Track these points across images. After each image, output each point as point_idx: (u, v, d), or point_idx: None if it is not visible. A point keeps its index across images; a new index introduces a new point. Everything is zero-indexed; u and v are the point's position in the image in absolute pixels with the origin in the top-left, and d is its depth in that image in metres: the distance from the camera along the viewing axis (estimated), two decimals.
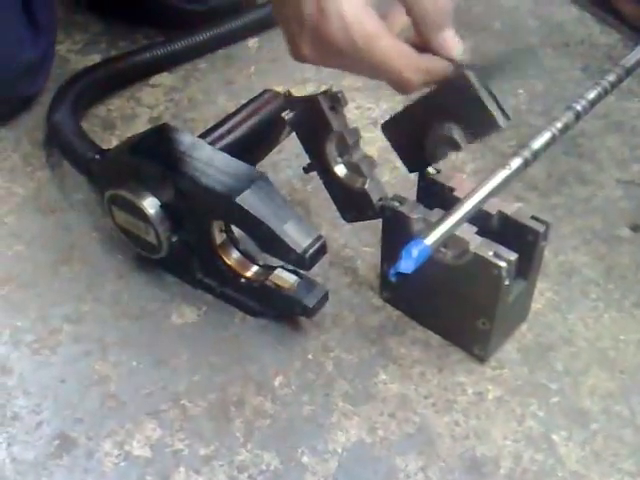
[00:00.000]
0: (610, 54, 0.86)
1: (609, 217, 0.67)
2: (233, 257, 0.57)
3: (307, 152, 0.56)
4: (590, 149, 0.73)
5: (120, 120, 0.77)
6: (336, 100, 0.51)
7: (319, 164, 0.55)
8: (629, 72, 0.69)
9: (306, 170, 0.57)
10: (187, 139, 0.56)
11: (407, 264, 0.45)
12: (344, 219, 0.58)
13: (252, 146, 0.62)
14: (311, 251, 0.51)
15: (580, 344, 0.57)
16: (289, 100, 0.53)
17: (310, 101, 0.52)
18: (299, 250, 0.51)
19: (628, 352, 0.56)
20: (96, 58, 0.84)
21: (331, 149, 0.53)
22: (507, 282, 0.50)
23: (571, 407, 0.53)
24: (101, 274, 0.62)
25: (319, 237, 0.52)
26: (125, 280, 0.62)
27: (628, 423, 0.52)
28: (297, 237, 0.51)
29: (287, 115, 0.53)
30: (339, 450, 0.50)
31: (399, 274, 0.45)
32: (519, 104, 0.78)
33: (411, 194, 0.56)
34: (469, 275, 0.51)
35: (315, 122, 0.52)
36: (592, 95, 0.65)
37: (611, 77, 0.67)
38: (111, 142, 0.73)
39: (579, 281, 0.61)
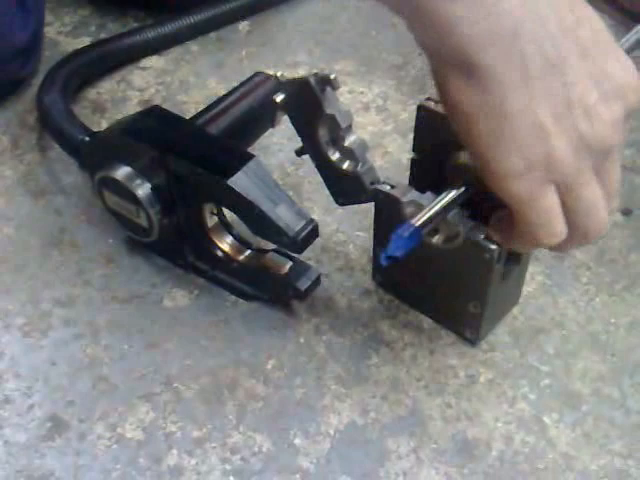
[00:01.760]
0: None
1: None
2: (225, 240, 0.57)
3: (299, 135, 0.55)
4: None
5: (110, 103, 0.76)
6: (328, 82, 0.51)
7: (311, 147, 0.55)
8: None
9: (298, 153, 0.57)
10: (178, 121, 0.56)
11: (398, 248, 0.45)
12: (336, 203, 0.58)
13: (243, 129, 0.61)
14: (303, 234, 0.51)
15: (571, 327, 0.57)
16: (280, 82, 0.52)
17: (301, 83, 0.52)
18: (291, 233, 0.51)
19: (619, 335, 0.56)
20: (86, 40, 0.83)
21: (323, 132, 0.53)
22: (498, 265, 0.50)
23: (562, 389, 0.53)
24: (92, 258, 0.61)
25: (311, 220, 0.52)
26: (116, 264, 0.61)
27: (618, 405, 0.52)
28: (289, 220, 0.51)
29: (278, 97, 0.53)
30: (331, 432, 0.51)
31: (390, 258, 0.45)
32: None
33: (403, 179, 0.55)
34: (460, 259, 0.51)
35: (307, 104, 0.52)
36: None
37: None
38: (101, 125, 0.73)
39: (570, 265, 0.61)
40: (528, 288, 0.59)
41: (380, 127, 0.74)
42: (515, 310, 0.58)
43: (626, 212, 0.66)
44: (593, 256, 0.62)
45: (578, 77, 0.38)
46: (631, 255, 0.62)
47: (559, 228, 0.41)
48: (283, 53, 0.84)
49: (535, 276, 0.60)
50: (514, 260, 0.52)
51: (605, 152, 0.40)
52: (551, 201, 0.40)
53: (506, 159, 0.39)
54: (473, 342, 0.56)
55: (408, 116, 0.75)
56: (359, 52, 0.83)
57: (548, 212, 0.41)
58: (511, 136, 0.38)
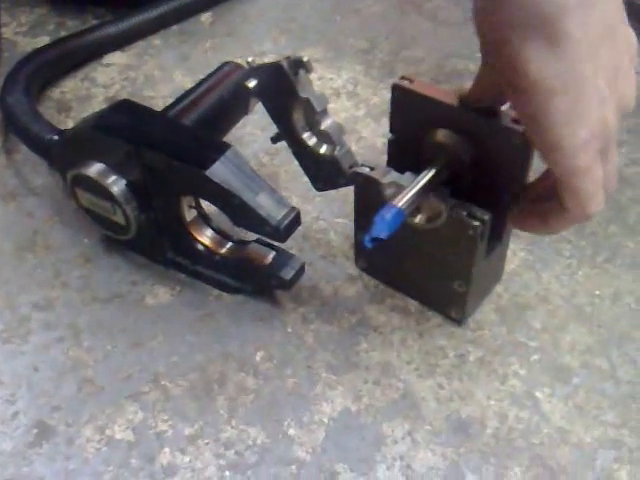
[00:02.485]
0: None
1: None
2: (205, 234, 0.56)
3: (274, 121, 0.55)
4: None
5: (75, 101, 0.74)
6: (301, 65, 0.50)
7: (287, 133, 0.54)
8: None
9: (274, 140, 0.56)
10: (150, 113, 0.54)
11: (382, 229, 0.45)
12: (315, 188, 0.57)
13: (217, 119, 0.60)
14: (286, 222, 0.50)
15: (556, 301, 0.57)
16: (252, 68, 0.52)
17: (274, 67, 0.51)
18: (274, 222, 0.50)
19: (604, 306, 0.57)
20: (45, 39, 0.81)
21: (299, 117, 0.52)
22: (482, 242, 0.50)
23: (552, 363, 0.53)
24: (68, 259, 0.60)
25: (293, 208, 0.51)
26: (93, 264, 0.60)
27: (608, 376, 0.52)
28: (271, 209, 0.50)
29: (251, 83, 0.52)
30: (325, 420, 0.50)
31: (374, 240, 0.45)
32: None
33: (380, 163, 0.55)
34: (444, 238, 0.51)
35: (280, 89, 0.51)
36: None
37: None
38: (68, 124, 0.71)
39: (551, 240, 0.62)
40: (511, 265, 0.60)
41: (352, 112, 0.74)
42: (499, 287, 0.58)
43: None
44: (573, 230, 0.62)
45: (622, 42, 0.38)
46: (610, 227, 0.62)
47: (603, 196, 0.41)
48: (248, 43, 0.83)
49: (517, 252, 0.61)
50: (496, 236, 0.52)
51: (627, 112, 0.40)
52: (600, 169, 0.40)
53: (577, 132, 0.38)
54: (459, 322, 0.55)
55: (379, 100, 0.75)
56: (325, 38, 0.83)
57: (599, 181, 0.40)
58: (583, 107, 0.37)
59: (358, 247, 0.58)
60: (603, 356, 0.54)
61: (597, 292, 0.58)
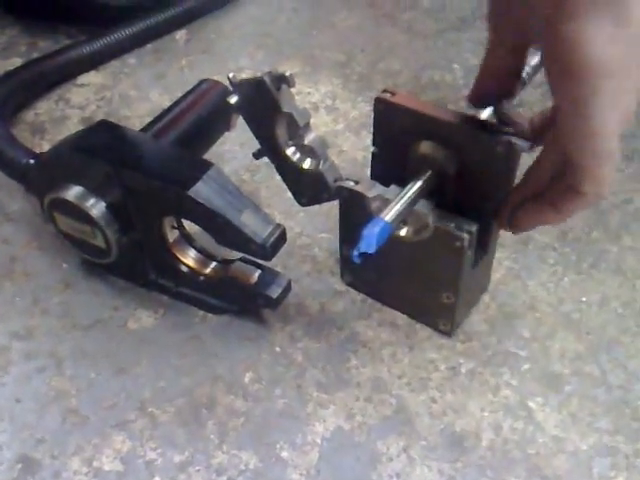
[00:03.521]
0: None
1: None
2: (188, 254, 0.55)
3: (256, 136, 0.54)
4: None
5: (50, 123, 0.73)
6: (283, 80, 0.49)
7: (270, 148, 0.53)
8: None
9: (256, 156, 0.55)
10: (129, 134, 0.53)
11: (369, 243, 0.44)
12: (299, 203, 0.56)
13: (197, 137, 0.59)
14: (272, 240, 0.49)
15: (544, 309, 0.57)
16: (233, 83, 0.51)
17: (256, 82, 0.50)
18: (259, 240, 0.49)
19: (591, 312, 0.57)
20: (17, 61, 0.80)
21: (281, 131, 0.52)
22: (469, 253, 0.49)
23: (543, 372, 0.53)
24: (47, 285, 0.58)
25: (278, 225, 0.50)
26: (73, 289, 0.58)
27: (600, 382, 0.52)
28: (256, 227, 0.49)
29: (232, 99, 0.51)
30: (318, 441, 0.49)
31: (362, 254, 0.44)
32: (456, 79, 0.78)
33: (362, 176, 0.54)
34: (431, 250, 0.50)
35: (263, 104, 0.51)
36: (535, 61, 0.66)
37: None
38: (42, 147, 0.70)
39: (535, 247, 0.61)
40: (497, 275, 0.59)
41: (332, 127, 0.73)
42: (487, 298, 0.58)
43: None
44: (556, 237, 0.62)
45: None
46: (593, 233, 0.63)
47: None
48: (224, 59, 0.82)
49: (502, 262, 0.60)
50: (482, 246, 0.52)
51: None
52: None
53: (618, 117, 0.37)
54: (447, 334, 0.55)
55: (358, 113, 0.74)
56: (301, 52, 0.82)
57: (615, 165, 0.40)
58: (626, 91, 0.36)
59: (344, 262, 0.58)
60: (593, 362, 0.53)
61: (584, 298, 0.58)
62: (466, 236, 0.48)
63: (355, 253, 0.44)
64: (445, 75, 0.79)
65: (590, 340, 0.55)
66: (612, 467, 0.48)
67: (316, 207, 0.63)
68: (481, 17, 0.87)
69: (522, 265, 0.60)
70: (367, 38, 0.85)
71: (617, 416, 0.50)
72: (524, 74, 0.66)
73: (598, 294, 0.58)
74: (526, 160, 0.47)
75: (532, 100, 0.75)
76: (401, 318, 0.56)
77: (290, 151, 0.52)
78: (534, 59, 0.66)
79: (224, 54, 0.82)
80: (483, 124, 0.47)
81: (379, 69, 0.80)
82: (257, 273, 0.53)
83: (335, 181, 0.52)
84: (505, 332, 0.55)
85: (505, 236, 0.62)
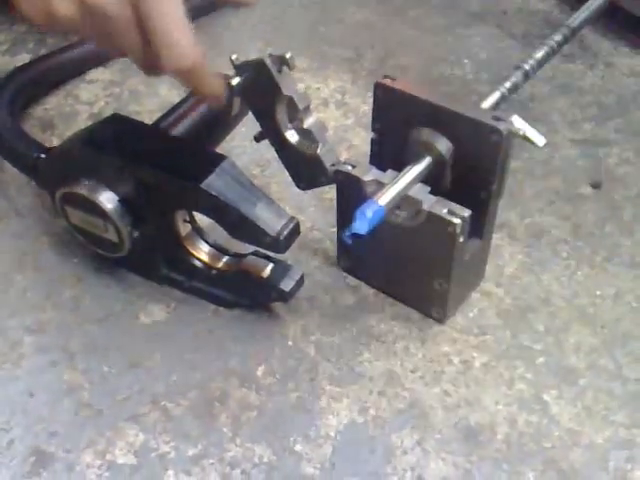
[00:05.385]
0: (548, 19, 0.87)
1: (569, 177, 0.67)
2: (201, 248, 0.55)
3: (257, 119, 0.54)
4: (542, 112, 0.73)
5: (59, 119, 0.73)
6: (284, 62, 0.50)
7: (270, 131, 0.54)
8: (574, 32, 0.70)
9: (257, 139, 0.55)
10: (141, 127, 0.53)
11: (361, 225, 0.45)
12: (298, 187, 0.56)
13: (208, 130, 0.59)
14: (285, 233, 0.49)
15: (558, 303, 0.57)
16: (235, 65, 0.51)
17: (257, 64, 0.50)
18: (273, 233, 0.49)
19: (605, 306, 0.56)
20: (25, 57, 0.80)
21: (282, 114, 0.52)
22: (462, 239, 0.49)
23: (557, 366, 0.53)
24: (58, 279, 0.58)
25: (292, 218, 0.50)
26: (85, 283, 0.58)
27: (615, 376, 0.52)
28: (270, 220, 0.49)
29: (234, 81, 0.51)
30: (332, 434, 0.49)
31: (353, 235, 0.45)
32: (466, 74, 0.77)
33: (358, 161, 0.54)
34: (424, 236, 0.50)
35: (263, 86, 0.51)
36: (540, 54, 0.66)
37: (557, 37, 0.68)
38: (52, 143, 0.69)
39: (549, 241, 0.61)
40: (510, 269, 0.59)
41: (342, 122, 0.73)
42: (500, 291, 0.57)
43: (595, 185, 0.66)
44: (569, 231, 0.62)
45: None
46: (606, 226, 0.62)
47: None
48: (231, 54, 0.81)
49: (515, 255, 0.60)
50: (476, 234, 0.52)
51: None
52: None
53: None
54: (440, 321, 0.55)
55: (368, 108, 0.73)
56: (310, 48, 0.82)
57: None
58: None
59: (340, 246, 0.58)
60: (608, 356, 0.53)
61: (598, 292, 0.57)
62: (458, 222, 0.48)
63: (347, 233, 0.45)
64: (455, 70, 0.79)
65: (605, 334, 0.55)
66: (628, 460, 0.47)
67: (327, 202, 0.63)
68: (489, 12, 0.87)
69: (535, 259, 0.60)
70: (376, 33, 0.85)
71: (633, 409, 0.50)
72: (528, 67, 0.65)
73: (612, 288, 0.58)
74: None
75: (541, 94, 0.74)
76: (414, 312, 0.56)
77: (289, 134, 0.52)
78: (539, 52, 0.66)
79: (233, 49, 0.82)
80: (480, 112, 0.47)
81: (389, 64, 0.80)
82: (269, 266, 0.53)
83: (333, 165, 0.52)
84: (519, 326, 0.55)
85: (517, 230, 0.62)
